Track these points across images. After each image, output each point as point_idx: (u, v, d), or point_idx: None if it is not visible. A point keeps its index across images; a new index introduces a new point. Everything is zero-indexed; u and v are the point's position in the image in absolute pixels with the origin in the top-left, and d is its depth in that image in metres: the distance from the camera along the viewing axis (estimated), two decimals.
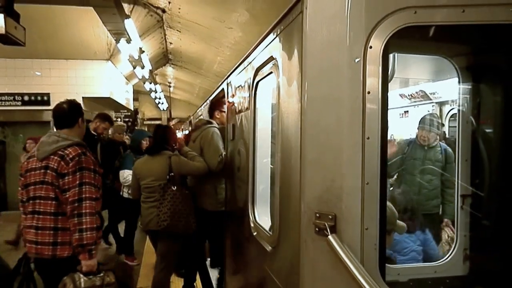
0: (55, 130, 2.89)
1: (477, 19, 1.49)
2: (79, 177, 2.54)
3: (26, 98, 9.07)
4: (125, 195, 5.53)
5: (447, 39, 1.92)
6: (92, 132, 5.36)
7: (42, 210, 2.60)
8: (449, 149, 4.00)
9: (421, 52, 2.29)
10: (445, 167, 4.01)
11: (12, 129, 9.48)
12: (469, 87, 2.02)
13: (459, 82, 2.06)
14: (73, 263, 2.57)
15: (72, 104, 2.90)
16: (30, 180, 2.67)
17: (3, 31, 3.81)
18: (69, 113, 2.83)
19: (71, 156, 2.59)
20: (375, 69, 1.53)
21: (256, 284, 2.71)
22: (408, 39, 1.75)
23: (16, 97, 9.02)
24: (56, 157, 2.60)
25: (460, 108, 2.07)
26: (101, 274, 2.54)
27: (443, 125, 4.44)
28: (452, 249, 1.87)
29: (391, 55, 1.87)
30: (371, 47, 1.53)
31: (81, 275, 2.46)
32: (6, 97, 8.97)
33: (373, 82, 1.53)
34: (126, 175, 5.37)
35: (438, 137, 4.12)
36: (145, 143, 5.56)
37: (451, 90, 5.51)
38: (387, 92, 1.57)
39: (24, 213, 2.76)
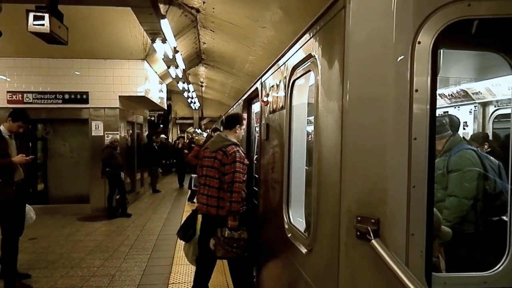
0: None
1: None
2: (233, 167, 3.68)
3: (66, 96, 9.39)
4: None
5: (503, 33, 1.79)
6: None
7: (211, 185, 3.84)
8: (462, 154, 2.94)
9: (472, 48, 2.15)
10: (446, 176, 2.96)
11: (53, 127, 9.88)
12: None
13: None
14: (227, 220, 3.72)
15: (236, 114, 4.30)
16: (204, 163, 3.95)
17: (47, 30, 3.95)
18: (233, 119, 4.11)
19: (230, 152, 3.75)
20: (423, 65, 1.45)
21: (290, 286, 2.66)
22: (459, 34, 1.64)
23: (57, 95, 9.35)
24: (221, 152, 3.80)
25: None
26: (239, 231, 3.65)
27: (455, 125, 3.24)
28: (504, 258, 1.75)
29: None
30: (419, 43, 1.45)
31: (226, 229, 3.62)
32: (48, 95, 9.33)
33: (422, 79, 1.45)
34: None
35: (449, 140, 3.05)
36: None
37: (498, 90, 5.21)
38: (436, 90, 1.49)
39: (199, 183, 4.00)
